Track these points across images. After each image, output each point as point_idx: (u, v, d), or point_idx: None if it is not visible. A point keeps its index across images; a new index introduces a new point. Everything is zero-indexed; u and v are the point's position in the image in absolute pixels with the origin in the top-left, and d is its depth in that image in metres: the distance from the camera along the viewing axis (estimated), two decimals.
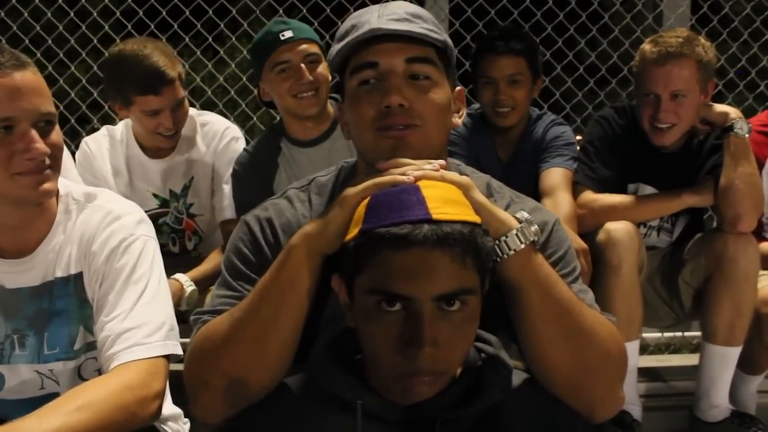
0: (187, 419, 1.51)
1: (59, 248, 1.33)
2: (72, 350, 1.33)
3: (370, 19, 1.18)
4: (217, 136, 2.27)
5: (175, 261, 2.19)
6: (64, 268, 1.33)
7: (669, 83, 2.07)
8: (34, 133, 1.22)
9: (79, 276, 1.33)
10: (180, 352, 1.28)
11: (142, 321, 1.25)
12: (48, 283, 1.33)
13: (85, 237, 1.32)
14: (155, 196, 2.30)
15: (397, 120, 1.15)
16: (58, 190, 1.35)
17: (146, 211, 2.17)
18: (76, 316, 1.33)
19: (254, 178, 2.16)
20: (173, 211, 2.30)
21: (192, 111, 2.33)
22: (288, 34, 2.08)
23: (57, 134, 1.29)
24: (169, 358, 1.27)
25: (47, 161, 1.25)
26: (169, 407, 1.46)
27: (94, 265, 1.31)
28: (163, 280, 1.35)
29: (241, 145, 2.29)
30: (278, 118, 2.29)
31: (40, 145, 1.23)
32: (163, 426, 1.40)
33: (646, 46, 2.12)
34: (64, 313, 1.32)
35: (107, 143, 2.29)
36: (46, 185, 1.26)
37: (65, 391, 1.24)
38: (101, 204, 1.36)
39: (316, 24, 3.26)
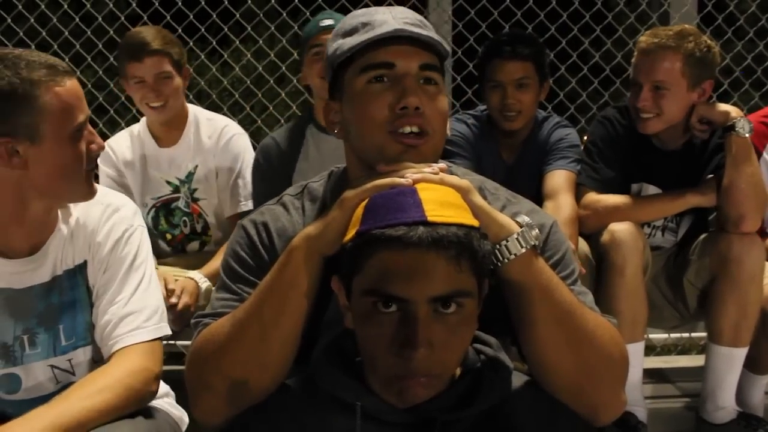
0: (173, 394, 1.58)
1: (64, 242, 1.39)
2: (90, 336, 1.40)
3: (386, 19, 1.16)
4: (217, 132, 2.40)
5: (188, 261, 2.37)
6: (70, 260, 1.39)
7: (650, 73, 2.08)
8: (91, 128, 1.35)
9: (83, 265, 1.40)
10: (169, 332, 1.42)
11: (142, 305, 1.38)
12: (58, 276, 1.38)
13: (88, 229, 1.40)
14: (168, 182, 2.43)
15: (412, 121, 1.14)
16: None
17: (161, 197, 2.41)
18: (86, 303, 1.40)
19: (274, 168, 2.29)
20: (183, 195, 2.43)
21: (197, 109, 2.48)
22: (327, 22, 2.27)
23: None
24: (162, 339, 1.40)
25: None
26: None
27: (99, 254, 1.39)
28: (154, 267, 1.47)
29: (242, 138, 2.42)
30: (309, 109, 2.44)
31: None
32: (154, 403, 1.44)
33: (641, 38, 2.15)
34: (76, 303, 1.39)
35: (128, 140, 2.46)
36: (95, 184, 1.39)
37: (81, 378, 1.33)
38: (98, 198, 1.42)
39: None
